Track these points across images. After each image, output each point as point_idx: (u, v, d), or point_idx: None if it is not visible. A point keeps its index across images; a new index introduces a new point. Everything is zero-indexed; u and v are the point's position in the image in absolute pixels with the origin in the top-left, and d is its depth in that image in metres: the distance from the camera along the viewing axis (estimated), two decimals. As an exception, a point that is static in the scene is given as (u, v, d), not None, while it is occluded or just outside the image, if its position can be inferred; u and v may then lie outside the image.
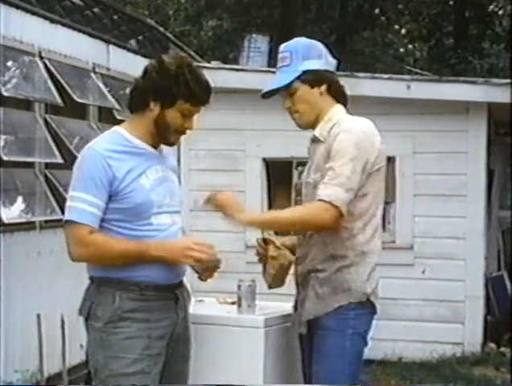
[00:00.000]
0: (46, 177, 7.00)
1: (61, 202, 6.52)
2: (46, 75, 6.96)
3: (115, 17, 9.85)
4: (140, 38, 10.22)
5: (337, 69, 3.84)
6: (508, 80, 8.40)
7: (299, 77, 3.70)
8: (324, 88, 3.73)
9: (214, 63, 9.44)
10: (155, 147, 3.47)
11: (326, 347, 3.62)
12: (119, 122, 3.71)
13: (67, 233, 3.36)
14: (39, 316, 6.18)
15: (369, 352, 3.82)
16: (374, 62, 19.83)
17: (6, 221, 6.25)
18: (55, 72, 7.06)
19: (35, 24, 6.95)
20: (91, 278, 3.43)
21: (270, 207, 8.64)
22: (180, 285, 3.50)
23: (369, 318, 3.70)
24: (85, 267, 3.44)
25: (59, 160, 6.85)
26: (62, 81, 7.11)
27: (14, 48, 6.62)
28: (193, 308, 3.71)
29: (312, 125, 3.76)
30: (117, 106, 7.86)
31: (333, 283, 3.63)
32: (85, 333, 3.43)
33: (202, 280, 3.54)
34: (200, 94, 3.39)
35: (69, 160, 6.16)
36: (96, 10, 9.29)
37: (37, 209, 6.82)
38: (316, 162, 3.70)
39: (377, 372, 7.77)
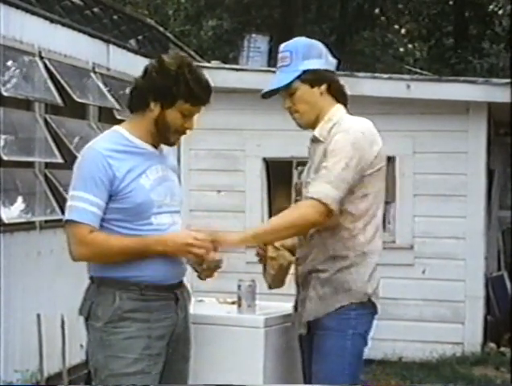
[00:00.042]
0: (46, 177, 7.00)
1: (61, 202, 6.52)
2: (46, 75, 6.95)
3: (115, 17, 9.84)
4: (140, 38, 10.21)
5: (337, 69, 3.83)
6: (508, 80, 8.40)
7: (299, 77, 3.69)
8: (324, 87, 3.72)
9: (214, 63, 9.44)
10: (155, 147, 3.47)
11: (326, 347, 3.61)
12: (119, 122, 3.71)
13: (67, 233, 3.36)
14: (39, 316, 6.17)
15: (369, 352, 3.82)
16: (374, 62, 19.81)
17: (6, 221, 6.25)
18: (55, 72, 7.06)
19: (35, 24, 6.95)
20: (91, 278, 3.43)
21: (270, 207, 8.64)
22: (180, 285, 3.50)
23: (369, 319, 3.70)
24: (85, 267, 3.44)
25: (59, 160, 6.84)
26: (62, 81, 7.11)
27: (14, 48, 6.62)
28: (193, 308, 3.70)
29: (312, 125, 3.75)
30: (117, 106, 7.86)
31: (334, 283, 3.62)
32: (85, 333, 3.43)
33: (201, 279, 3.54)
34: (200, 94, 3.39)
35: (69, 160, 6.16)
36: (96, 9, 9.29)
37: (37, 209, 6.82)
38: (316, 162, 3.69)
39: (377, 372, 7.77)
